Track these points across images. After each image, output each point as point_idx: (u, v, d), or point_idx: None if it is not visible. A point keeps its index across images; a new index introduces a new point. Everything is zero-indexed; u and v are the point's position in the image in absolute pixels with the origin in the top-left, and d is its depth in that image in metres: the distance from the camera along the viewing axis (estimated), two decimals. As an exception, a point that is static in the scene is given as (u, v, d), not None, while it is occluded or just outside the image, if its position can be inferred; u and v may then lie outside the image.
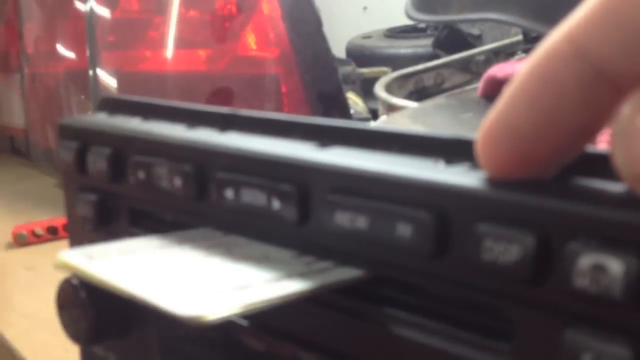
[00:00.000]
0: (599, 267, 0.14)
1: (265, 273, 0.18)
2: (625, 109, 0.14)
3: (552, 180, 0.16)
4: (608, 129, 0.18)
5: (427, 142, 0.19)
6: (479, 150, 0.16)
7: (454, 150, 0.18)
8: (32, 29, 0.75)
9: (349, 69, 0.84)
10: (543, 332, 0.15)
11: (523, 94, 0.15)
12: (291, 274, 0.18)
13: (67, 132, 0.26)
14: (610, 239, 0.14)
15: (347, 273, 0.19)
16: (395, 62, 0.97)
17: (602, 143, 0.18)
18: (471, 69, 0.85)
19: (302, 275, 0.18)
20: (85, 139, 0.25)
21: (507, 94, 0.15)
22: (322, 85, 0.63)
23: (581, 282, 0.14)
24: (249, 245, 0.21)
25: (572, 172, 0.16)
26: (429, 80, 0.75)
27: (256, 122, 0.23)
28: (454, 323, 0.17)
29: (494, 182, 0.16)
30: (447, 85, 0.77)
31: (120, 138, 0.24)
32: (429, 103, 0.57)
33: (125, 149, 0.24)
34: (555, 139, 0.15)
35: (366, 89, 0.86)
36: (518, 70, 0.16)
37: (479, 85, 0.54)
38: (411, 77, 0.73)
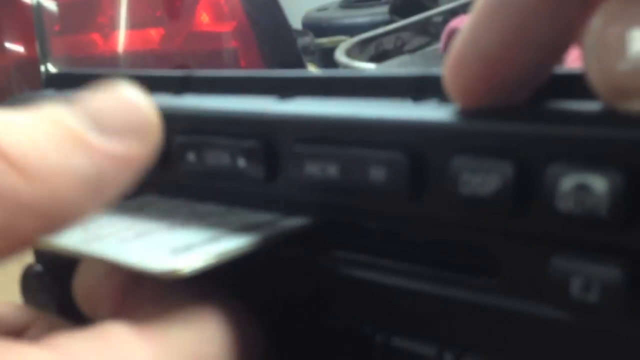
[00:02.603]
0: (583, 187, 0.13)
1: (232, 224, 0.18)
2: (596, 21, 0.13)
3: (525, 105, 0.15)
4: (575, 48, 0.17)
5: (391, 82, 0.18)
6: (448, 78, 0.15)
7: (421, 88, 0.17)
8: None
9: (307, 39, 0.83)
10: (528, 263, 0.15)
11: (488, 15, 0.14)
12: (259, 223, 0.18)
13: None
14: (591, 157, 0.13)
15: (296, 222, 0.19)
16: (352, 32, 0.95)
17: (571, 63, 0.18)
18: (430, 31, 0.84)
19: (269, 223, 0.18)
20: (34, 117, 0.24)
21: (472, 17, 0.15)
22: (282, 56, 0.62)
23: (565, 205, 0.14)
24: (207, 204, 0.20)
25: (545, 95, 0.15)
26: (389, 44, 0.74)
27: (213, 82, 0.21)
28: (436, 265, 0.17)
29: (465, 113, 0.16)
30: (407, 47, 0.77)
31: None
32: (392, 62, 0.56)
33: (77, 123, 0.23)
34: (525, 58, 0.14)
35: (325, 60, 0.85)
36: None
37: (440, 42, 0.53)
38: (371, 42, 0.72)
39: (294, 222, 0.18)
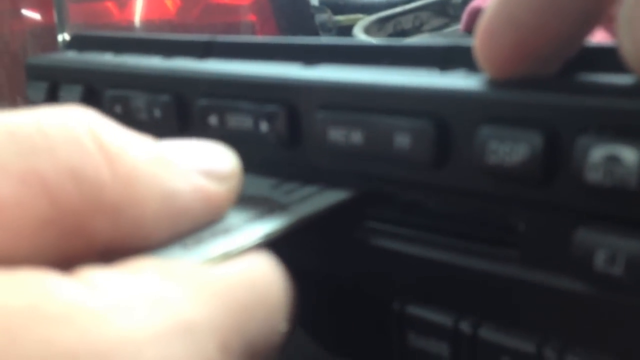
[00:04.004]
0: (613, 158, 0.13)
1: (244, 212, 0.17)
2: None
3: (555, 77, 0.15)
4: (600, 31, 0.17)
5: (418, 52, 0.18)
6: (478, 46, 0.15)
7: (448, 58, 0.17)
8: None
9: (324, 16, 0.82)
10: (552, 235, 0.15)
11: None
12: (273, 208, 0.17)
13: (35, 72, 0.25)
14: (622, 128, 0.13)
15: (330, 197, 0.18)
16: (370, 10, 0.95)
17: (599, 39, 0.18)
18: (448, 12, 0.84)
19: (284, 207, 0.17)
20: (55, 78, 0.24)
21: (506, -16, 0.15)
22: (299, 32, 0.62)
23: (594, 176, 0.13)
24: None
25: (575, 67, 0.15)
26: (407, 23, 0.74)
27: (236, 48, 0.21)
28: (459, 235, 0.17)
29: (494, 83, 0.15)
30: (425, 28, 0.76)
31: (92, 73, 0.23)
32: (413, 39, 0.56)
33: (98, 84, 0.23)
34: (557, 28, 0.14)
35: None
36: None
37: (461, 21, 0.52)
38: (390, 20, 0.72)
39: (331, 197, 0.18)
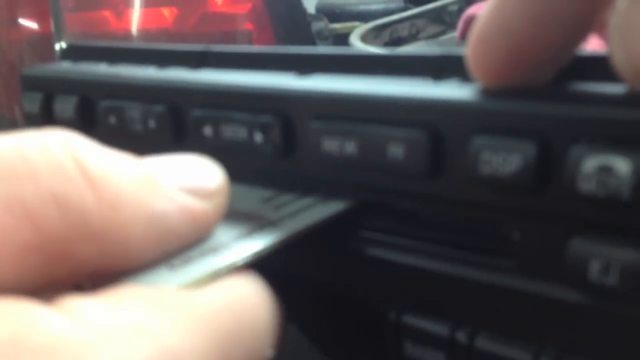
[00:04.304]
0: (605, 168, 0.13)
1: (233, 229, 0.17)
2: (622, 2, 0.13)
3: (548, 86, 0.15)
4: (595, 38, 0.17)
5: (411, 61, 0.18)
6: (471, 56, 0.15)
7: (441, 67, 0.17)
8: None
9: (321, 24, 0.82)
10: (547, 244, 0.15)
11: None
12: (263, 225, 0.17)
13: (30, 83, 0.25)
14: (615, 139, 0.13)
15: (320, 212, 0.18)
16: (366, 18, 0.95)
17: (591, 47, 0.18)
18: (445, 20, 0.84)
19: (273, 224, 0.17)
20: (50, 89, 0.24)
21: (497, -6, 0.15)
22: (296, 40, 0.62)
23: (587, 186, 0.13)
24: None
25: (568, 76, 0.15)
26: (403, 31, 0.74)
27: (231, 57, 0.21)
28: (453, 245, 0.17)
29: (487, 92, 0.15)
30: (422, 35, 0.76)
31: (87, 84, 0.23)
32: (407, 48, 0.56)
33: (93, 94, 0.23)
34: (550, 36, 0.14)
35: (339, 46, 0.84)
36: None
37: (457, 28, 0.52)
38: (386, 28, 0.72)
39: (321, 212, 0.18)
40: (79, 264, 0.13)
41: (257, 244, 0.16)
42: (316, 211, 0.18)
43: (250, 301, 0.14)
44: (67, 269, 0.13)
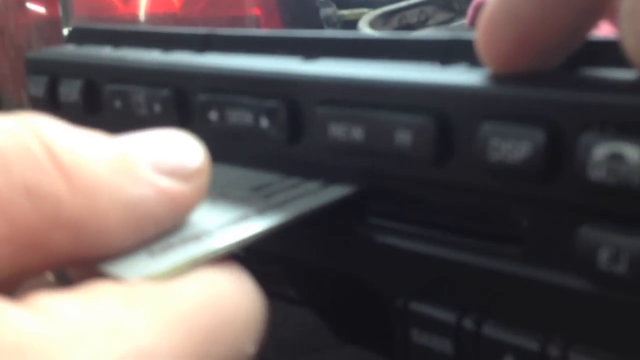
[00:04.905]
0: (616, 155, 0.13)
1: (218, 216, 0.16)
2: None
3: (558, 72, 0.15)
4: (606, 22, 0.17)
5: (419, 45, 0.18)
6: (480, 40, 0.15)
7: (449, 51, 0.17)
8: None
9: (329, 10, 0.82)
10: (555, 232, 0.14)
11: None
12: (248, 214, 0.16)
13: (35, 66, 0.24)
14: (626, 126, 0.13)
15: (309, 202, 0.17)
16: (375, 4, 0.94)
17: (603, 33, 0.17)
18: (454, 7, 0.83)
19: (260, 213, 0.16)
20: (55, 72, 0.24)
21: (508, -23, 0.14)
22: (303, 26, 0.61)
23: (597, 174, 0.13)
24: None
25: (578, 62, 0.15)
26: (412, 18, 0.73)
27: (236, 41, 0.21)
28: (460, 231, 0.16)
29: (496, 77, 0.15)
30: (431, 22, 0.76)
31: (92, 67, 0.23)
32: (416, 34, 0.55)
33: (98, 78, 0.22)
34: (560, 20, 0.14)
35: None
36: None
37: (467, 15, 0.52)
38: (395, 15, 0.71)
39: (310, 202, 0.17)
40: (53, 254, 0.13)
41: (241, 231, 0.15)
42: (306, 201, 0.17)
43: (231, 295, 0.14)
44: (40, 259, 0.13)
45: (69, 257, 0.13)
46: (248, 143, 0.19)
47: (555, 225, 0.14)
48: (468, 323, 0.16)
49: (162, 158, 0.15)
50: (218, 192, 0.18)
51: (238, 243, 0.15)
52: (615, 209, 0.13)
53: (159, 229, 0.15)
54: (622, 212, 0.13)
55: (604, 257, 0.13)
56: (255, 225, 0.16)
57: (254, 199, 0.17)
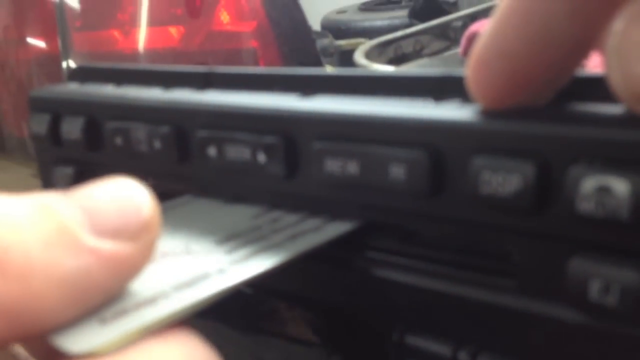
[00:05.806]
0: (604, 189, 0.13)
1: (176, 277, 0.15)
2: (619, 24, 0.13)
3: (547, 107, 0.15)
4: (597, 53, 0.17)
5: (412, 82, 0.18)
6: (470, 78, 0.15)
7: (443, 88, 0.17)
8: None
9: (326, 41, 0.83)
10: (547, 264, 0.15)
11: (512, 13, 0.14)
12: (209, 273, 0.16)
13: (38, 104, 0.25)
14: (613, 159, 0.13)
15: (277, 257, 0.16)
16: (371, 34, 0.96)
17: (592, 70, 0.18)
18: (449, 36, 0.84)
19: (221, 271, 0.16)
20: (57, 110, 0.24)
21: (495, 16, 0.15)
22: (301, 57, 0.62)
23: (586, 206, 0.14)
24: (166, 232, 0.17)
25: (567, 97, 0.15)
26: (408, 47, 0.74)
27: (235, 78, 0.22)
28: (455, 264, 0.17)
29: (487, 113, 0.16)
30: (426, 51, 0.77)
31: (94, 105, 0.23)
32: (411, 65, 0.56)
33: (100, 116, 0.23)
34: (548, 57, 0.14)
35: (344, 62, 0.85)
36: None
37: (460, 45, 0.53)
38: (390, 45, 0.73)
39: (278, 257, 0.17)
40: None
41: (198, 294, 0.15)
42: (273, 256, 0.17)
43: None
44: None
45: (7, 340, 0.12)
46: (246, 178, 0.20)
47: (547, 257, 0.15)
48: (463, 356, 0.16)
49: (103, 218, 0.13)
50: (182, 246, 0.17)
51: (196, 304, 0.14)
52: (605, 241, 0.14)
53: (107, 296, 0.14)
54: (612, 244, 0.14)
55: (594, 288, 0.14)
56: (214, 285, 0.15)
57: (218, 254, 0.17)
